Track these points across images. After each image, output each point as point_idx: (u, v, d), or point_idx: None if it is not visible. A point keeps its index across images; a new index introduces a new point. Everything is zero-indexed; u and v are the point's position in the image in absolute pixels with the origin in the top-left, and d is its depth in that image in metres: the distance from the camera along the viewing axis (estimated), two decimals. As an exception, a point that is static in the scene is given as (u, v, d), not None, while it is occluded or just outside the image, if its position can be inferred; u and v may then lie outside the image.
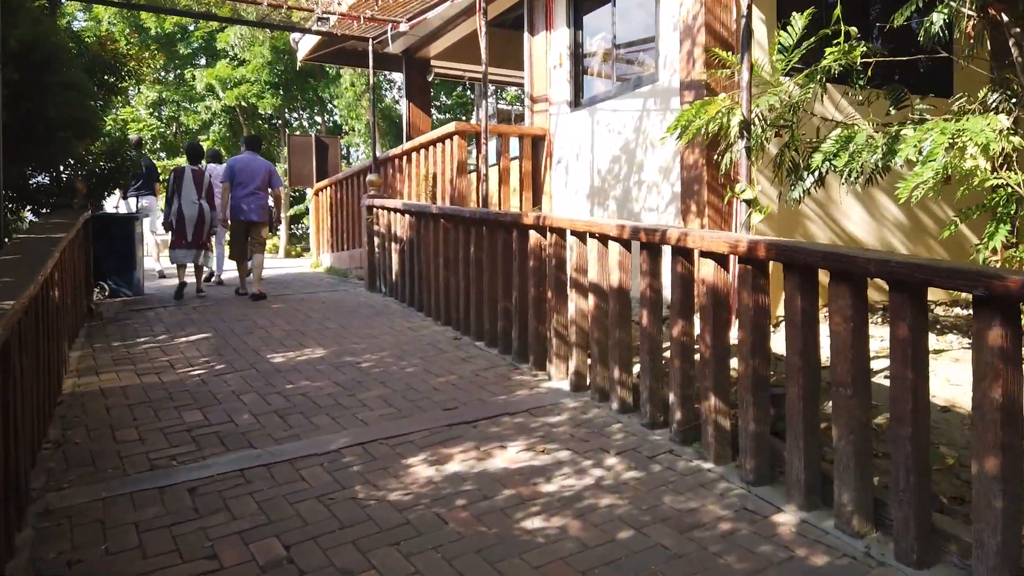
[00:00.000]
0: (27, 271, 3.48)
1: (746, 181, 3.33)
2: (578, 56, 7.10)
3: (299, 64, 11.43)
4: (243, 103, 23.09)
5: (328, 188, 10.51)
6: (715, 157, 4.71)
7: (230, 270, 10.14)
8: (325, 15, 6.88)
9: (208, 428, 3.84)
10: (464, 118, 27.45)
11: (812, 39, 3.92)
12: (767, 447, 2.98)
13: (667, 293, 3.53)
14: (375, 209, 7.86)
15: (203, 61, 24.89)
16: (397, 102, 27.32)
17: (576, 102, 7.09)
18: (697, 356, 3.40)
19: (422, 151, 7.73)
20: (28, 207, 7.01)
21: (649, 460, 3.32)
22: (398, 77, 27.15)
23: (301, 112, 27.47)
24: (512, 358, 5.00)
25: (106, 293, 7.67)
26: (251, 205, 7.79)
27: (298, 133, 25.70)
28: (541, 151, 7.46)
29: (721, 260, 3.19)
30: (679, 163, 5.64)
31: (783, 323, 2.99)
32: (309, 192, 13.26)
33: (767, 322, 3.02)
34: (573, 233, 4.32)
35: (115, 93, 6.72)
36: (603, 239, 4.06)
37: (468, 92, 27.25)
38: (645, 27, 6.29)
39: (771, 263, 2.97)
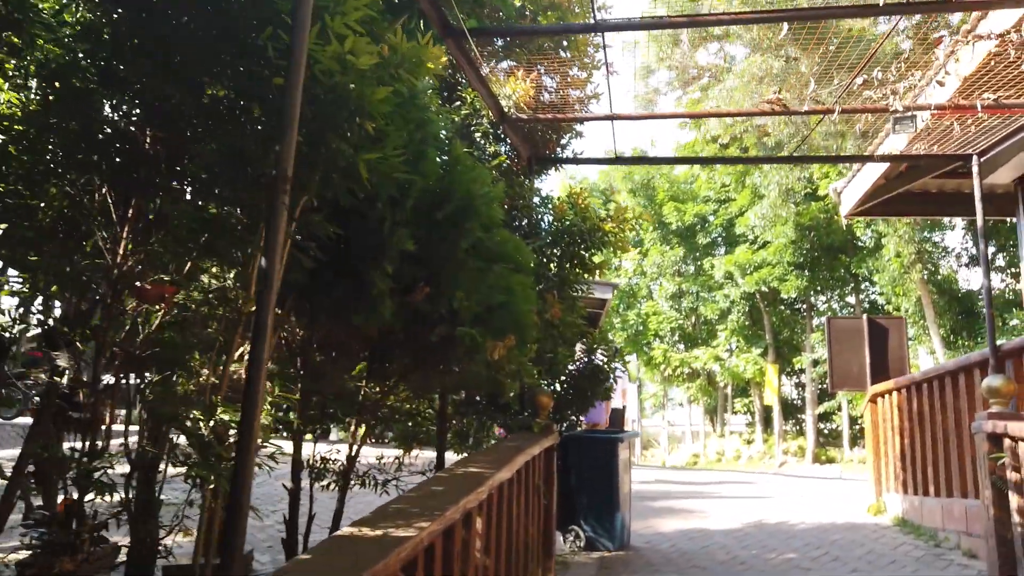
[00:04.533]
0: None
1: None
2: None
3: (844, 221, 8.64)
4: (763, 287, 21.29)
5: (894, 393, 7.03)
6: None
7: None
8: (909, 112, 4.00)
9: None
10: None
11: None
12: None
13: None
14: (1008, 440, 4.25)
15: (722, 250, 24.17)
16: (955, 270, 21.88)
17: None
18: None
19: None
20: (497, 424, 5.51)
21: None
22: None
23: (830, 292, 24.29)
24: None
25: (581, 544, 5.58)
26: None
27: (840, 315, 22.51)
28: None
29: None
30: None
31: None
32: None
33: None
34: None
35: (588, 270, 4.94)
36: None
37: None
38: None
39: None
